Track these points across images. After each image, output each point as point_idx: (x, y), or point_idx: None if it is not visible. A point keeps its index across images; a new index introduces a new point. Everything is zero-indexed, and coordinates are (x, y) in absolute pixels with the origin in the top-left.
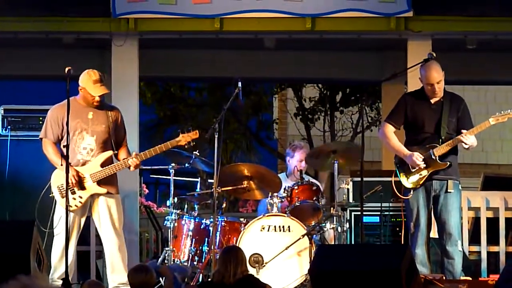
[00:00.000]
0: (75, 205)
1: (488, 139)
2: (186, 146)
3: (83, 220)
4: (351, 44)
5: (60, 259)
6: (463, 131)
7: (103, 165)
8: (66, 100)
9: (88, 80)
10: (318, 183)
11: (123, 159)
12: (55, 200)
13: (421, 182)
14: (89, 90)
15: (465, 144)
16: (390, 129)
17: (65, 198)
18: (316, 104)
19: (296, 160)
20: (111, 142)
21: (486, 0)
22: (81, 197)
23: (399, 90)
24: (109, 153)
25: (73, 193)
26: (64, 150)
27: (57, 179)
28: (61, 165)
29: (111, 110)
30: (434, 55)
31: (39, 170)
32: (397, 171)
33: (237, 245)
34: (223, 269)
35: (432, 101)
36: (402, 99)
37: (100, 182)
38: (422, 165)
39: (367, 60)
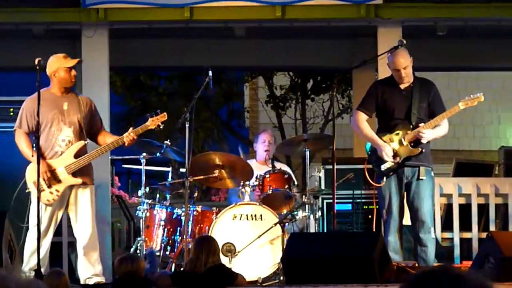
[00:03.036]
0: (53, 199)
1: (460, 125)
2: (156, 130)
3: (60, 213)
4: (321, 31)
5: (33, 252)
6: (420, 124)
7: (76, 156)
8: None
9: (58, 60)
10: (290, 171)
11: (111, 141)
12: (31, 194)
13: (393, 169)
14: (64, 65)
15: (422, 139)
16: (362, 117)
17: (42, 193)
18: (287, 92)
19: (260, 142)
20: (85, 131)
21: None
22: (57, 191)
23: (370, 77)
24: (81, 143)
25: (49, 187)
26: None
27: (32, 174)
28: (32, 156)
29: (83, 98)
30: (404, 42)
31: (10, 162)
32: (369, 158)
33: (209, 234)
34: (195, 258)
35: (402, 87)
36: (373, 86)
37: (75, 173)
38: (391, 160)
39: (337, 47)
